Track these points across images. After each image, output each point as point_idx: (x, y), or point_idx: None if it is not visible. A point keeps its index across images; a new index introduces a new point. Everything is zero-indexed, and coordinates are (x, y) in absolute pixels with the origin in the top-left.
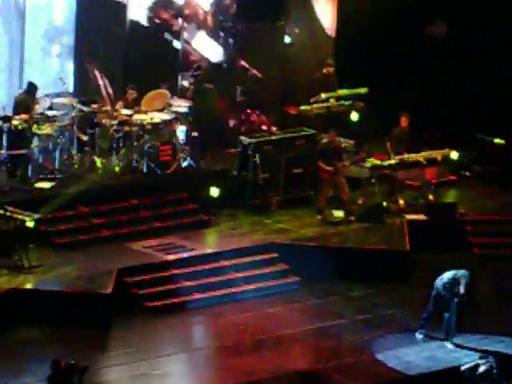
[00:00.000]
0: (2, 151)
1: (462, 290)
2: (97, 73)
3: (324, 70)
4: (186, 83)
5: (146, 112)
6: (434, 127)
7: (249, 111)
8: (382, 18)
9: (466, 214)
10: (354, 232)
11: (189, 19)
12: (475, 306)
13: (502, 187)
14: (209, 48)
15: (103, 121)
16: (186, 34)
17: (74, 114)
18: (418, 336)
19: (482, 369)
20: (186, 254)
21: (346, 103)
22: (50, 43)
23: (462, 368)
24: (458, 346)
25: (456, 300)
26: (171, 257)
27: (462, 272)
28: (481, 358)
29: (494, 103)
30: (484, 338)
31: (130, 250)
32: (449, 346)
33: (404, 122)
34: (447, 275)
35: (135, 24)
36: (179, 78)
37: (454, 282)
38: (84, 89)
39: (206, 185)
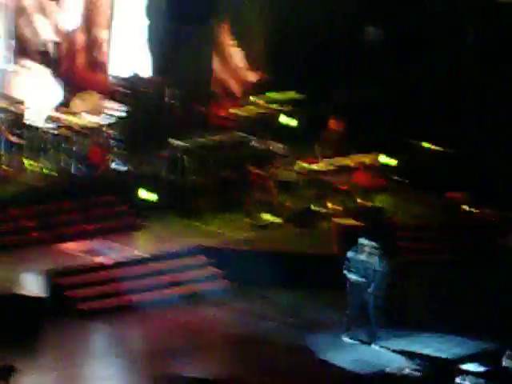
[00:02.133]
0: None
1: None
2: None
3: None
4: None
5: (75, 114)
6: (363, 131)
7: None
8: (314, 22)
9: (394, 219)
10: (283, 235)
11: None
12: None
13: (431, 192)
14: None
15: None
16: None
17: (1, 115)
18: (345, 339)
19: (408, 370)
20: (116, 257)
21: (277, 107)
22: None
23: (388, 370)
24: (384, 348)
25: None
26: (101, 259)
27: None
28: (407, 360)
29: (425, 108)
30: (410, 340)
31: (59, 252)
32: (376, 348)
33: (333, 125)
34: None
35: None
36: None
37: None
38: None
39: (136, 187)
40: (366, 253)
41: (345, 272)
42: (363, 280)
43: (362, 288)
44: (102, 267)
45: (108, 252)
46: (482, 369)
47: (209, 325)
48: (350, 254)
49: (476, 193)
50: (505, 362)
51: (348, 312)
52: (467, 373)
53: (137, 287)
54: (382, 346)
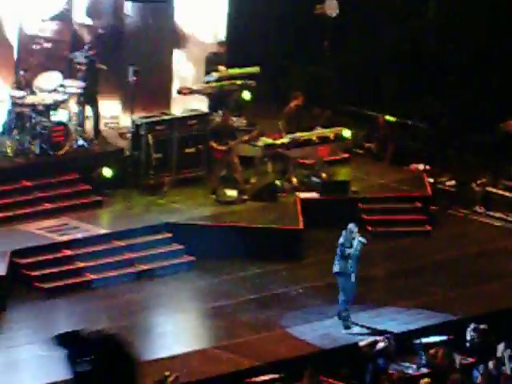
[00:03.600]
0: None
1: (358, 237)
2: None
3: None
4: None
5: (38, 92)
6: (325, 105)
7: None
8: None
9: (358, 192)
10: (247, 211)
11: None
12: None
13: (393, 164)
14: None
15: None
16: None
17: None
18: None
19: (380, 345)
20: (79, 235)
21: (238, 82)
22: None
23: (360, 344)
24: (353, 323)
25: (352, 260)
26: (65, 238)
27: (348, 225)
28: (379, 334)
29: (386, 80)
30: (376, 314)
31: (23, 231)
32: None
33: (296, 100)
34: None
35: None
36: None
37: (349, 232)
38: None
39: (99, 165)
40: (356, 238)
41: (339, 261)
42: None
43: (348, 272)
44: (65, 245)
45: (70, 230)
46: (443, 338)
47: (173, 301)
48: (342, 240)
49: (439, 165)
50: (468, 336)
51: (343, 298)
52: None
53: (99, 265)
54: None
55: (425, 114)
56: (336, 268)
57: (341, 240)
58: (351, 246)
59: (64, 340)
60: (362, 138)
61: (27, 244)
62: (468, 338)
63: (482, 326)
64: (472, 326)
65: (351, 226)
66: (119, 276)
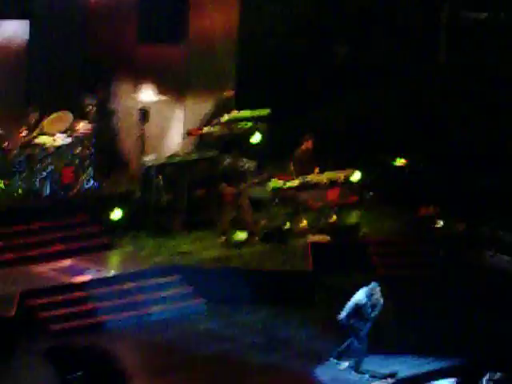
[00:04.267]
0: None
1: (381, 299)
2: None
3: (225, 93)
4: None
5: (48, 134)
6: (336, 148)
7: None
8: (284, 40)
9: (368, 235)
10: (257, 254)
11: None
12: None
13: (403, 208)
14: None
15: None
16: None
17: None
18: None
19: None
20: (90, 277)
21: (249, 125)
22: None
23: None
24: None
25: (370, 321)
26: (76, 279)
27: (371, 285)
28: (387, 377)
29: (396, 125)
30: (386, 359)
31: (34, 273)
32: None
33: (307, 143)
34: (360, 295)
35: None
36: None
37: (371, 293)
38: None
39: (109, 207)
40: (379, 300)
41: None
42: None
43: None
44: (75, 287)
45: (81, 272)
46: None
47: (183, 344)
48: (364, 300)
49: (448, 208)
50: None
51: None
52: None
53: (110, 307)
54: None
55: (434, 157)
56: (345, 320)
57: (362, 299)
58: (373, 308)
59: (54, 354)
60: (372, 181)
61: (37, 285)
62: None
63: (497, 376)
64: (488, 375)
65: (373, 286)
66: (129, 318)
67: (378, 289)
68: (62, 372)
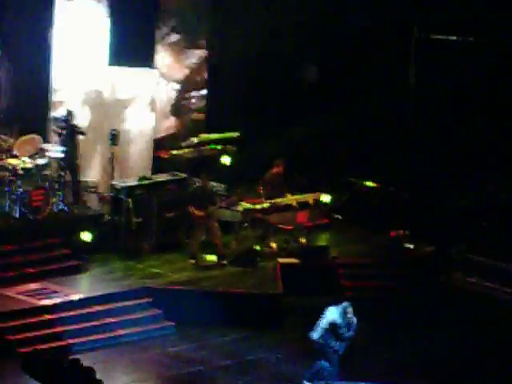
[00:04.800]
0: None
1: (354, 319)
2: None
3: (193, 116)
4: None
5: (18, 156)
6: (306, 171)
7: None
8: (254, 62)
9: (338, 258)
10: (227, 276)
11: None
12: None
13: (374, 230)
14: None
15: None
16: None
17: None
18: None
19: None
20: (59, 300)
21: (218, 147)
22: None
23: None
24: None
25: (345, 341)
26: (45, 302)
27: (344, 304)
28: None
29: (366, 146)
30: None
31: (2, 295)
32: None
33: (278, 167)
34: (333, 314)
35: None
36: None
37: (345, 312)
38: None
39: (79, 229)
40: (353, 320)
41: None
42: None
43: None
44: (44, 310)
45: (50, 295)
46: None
47: (152, 366)
48: (337, 320)
49: (417, 230)
50: None
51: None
52: None
53: (79, 329)
54: None
55: (403, 180)
56: (319, 339)
57: (337, 319)
58: (348, 328)
59: (35, 368)
60: (342, 203)
61: (5, 308)
62: None
63: None
64: None
65: (346, 305)
66: (98, 340)
67: (351, 309)
68: None
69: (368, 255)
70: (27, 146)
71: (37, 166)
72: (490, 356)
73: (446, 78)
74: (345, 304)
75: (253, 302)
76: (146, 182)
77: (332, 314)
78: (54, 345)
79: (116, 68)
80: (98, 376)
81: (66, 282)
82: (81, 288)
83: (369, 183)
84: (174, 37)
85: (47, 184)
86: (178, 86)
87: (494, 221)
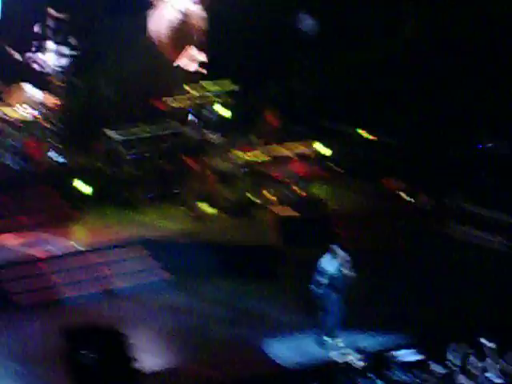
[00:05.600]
0: None
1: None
2: None
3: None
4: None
5: (10, 106)
6: (302, 121)
7: None
8: (248, 13)
9: (335, 208)
10: (223, 227)
11: None
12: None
13: (370, 181)
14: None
15: None
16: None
17: None
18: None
19: (356, 363)
20: (54, 250)
21: (213, 97)
22: None
23: (336, 359)
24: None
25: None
26: (39, 253)
27: (341, 253)
28: (356, 352)
29: (362, 97)
30: (354, 334)
31: None
32: (330, 341)
33: (270, 116)
34: (331, 264)
35: None
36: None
37: (341, 263)
38: None
39: (72, 179)
40: (338, 259)
41: (319, 280)
42: (336, 285)
43: (331, 293)
44: (38, 261)
45: (44, 245)
46: (416, 357)
47: (148, 317)
48: (323, 262)
49: (413, 180)
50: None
51: (324, 320)
52: (399, 363)
53: (72, 280)
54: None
55: (399, 129)
56: (319, 290)
57: (335, 269)
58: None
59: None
60: (338, 154)
61: (1, 258)
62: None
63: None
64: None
65: (343, 254)
66: (94, 291)
67: (348, 258)
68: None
69: (364, 205)
70: (19, 94)
71: (34, 116)
72: (487, 304)
73: (445, 29)
74: (342, 253)
75: (249, 252)
76: (142, 133)
77: (329, 263)
78: (48, 295)
79: None
80: (93, 327)
81: (60, 232)
82: (75, 238)
83: (365, 134)
84: None
85: (42, 134)
86: None
87: (490, 171)
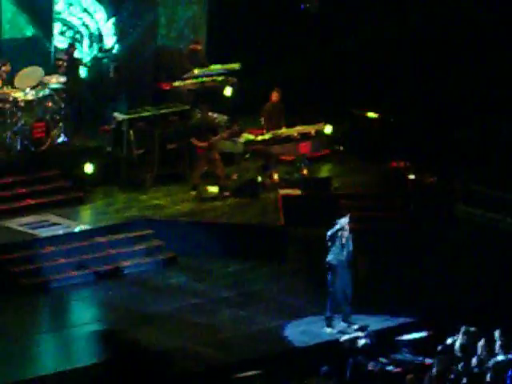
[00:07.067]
0: None
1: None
2: None
3: (190, 47)
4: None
5: (19, 89)
6: (307, 101)
7: None
8: None
9: (340, 189)
10: (228, 207)
11: None
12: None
13: (376, 161)
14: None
15: None
16: None
17: None
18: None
19: (361, 342)
20: (61, 231)
21: (219, 78)
22: None
23: (342, 339)
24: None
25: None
26: (46, 234)
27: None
28: (359, 330)
29: (368, 77)
30: (358, 312)
31: (3, 227)
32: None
33: (275, 96)
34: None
35: None
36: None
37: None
38: None
39: (80, 162)
40: (346, 232)
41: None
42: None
43: (342, 268)
44: (45, 242)
45: (51, 227)
46: (421, 334)
47: (154, 298)
48: (330, 233)
49: (419, 161)
50: (460, 339)
51: (332, 301)
52: (403, 343)
53: (81, 261)
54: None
55: (405, 110)
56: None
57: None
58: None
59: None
60: (343, 134)
61: (7, 240)
62: (460, 341)
63: (472, 329)
64: (463, 328)
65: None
66: (100, 272)
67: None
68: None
69: (370, 186)
70: (28, 78)
71: (38, 98)
72: (494, 284)
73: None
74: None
75: (254, 233)
76: (148, 113)
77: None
78: (55, 277)
79: None
80: (98, 308)
81: (68, 214)
82: (82, 220)
83: (370, 113)
84: None
85: (48, 116)
86: None
87: (498, 152)
